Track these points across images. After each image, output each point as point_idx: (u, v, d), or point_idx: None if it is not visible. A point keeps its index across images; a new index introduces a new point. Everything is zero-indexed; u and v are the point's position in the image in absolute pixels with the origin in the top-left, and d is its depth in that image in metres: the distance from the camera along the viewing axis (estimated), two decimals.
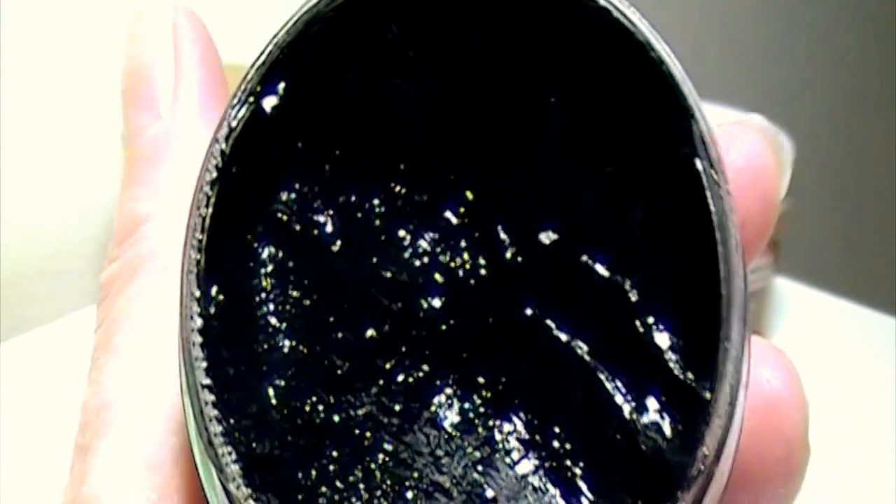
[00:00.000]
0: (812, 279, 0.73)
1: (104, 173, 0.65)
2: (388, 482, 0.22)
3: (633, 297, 0.22)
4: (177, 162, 0.26)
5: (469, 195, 0.23)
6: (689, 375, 0.21)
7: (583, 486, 0.22)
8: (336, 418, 0.22)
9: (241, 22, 0.72)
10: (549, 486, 0.22)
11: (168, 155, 0.27)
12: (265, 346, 0.22)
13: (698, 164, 0.21)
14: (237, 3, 0.72)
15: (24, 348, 0.60)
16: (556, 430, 0.23)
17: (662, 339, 0.22)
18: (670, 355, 0.22)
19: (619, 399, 0.22)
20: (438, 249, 0.23)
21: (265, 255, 0.23)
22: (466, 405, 0.23)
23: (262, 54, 0.22)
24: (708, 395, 0.21)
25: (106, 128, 0.63)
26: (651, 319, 0.22)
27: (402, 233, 0.23)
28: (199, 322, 0.21)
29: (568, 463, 0.22)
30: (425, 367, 0.23)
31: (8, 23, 0.59)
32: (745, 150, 0.25)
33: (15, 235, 0.62)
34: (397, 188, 0.23)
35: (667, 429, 0.21)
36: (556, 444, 0.22)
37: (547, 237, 0.23)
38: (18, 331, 0.61)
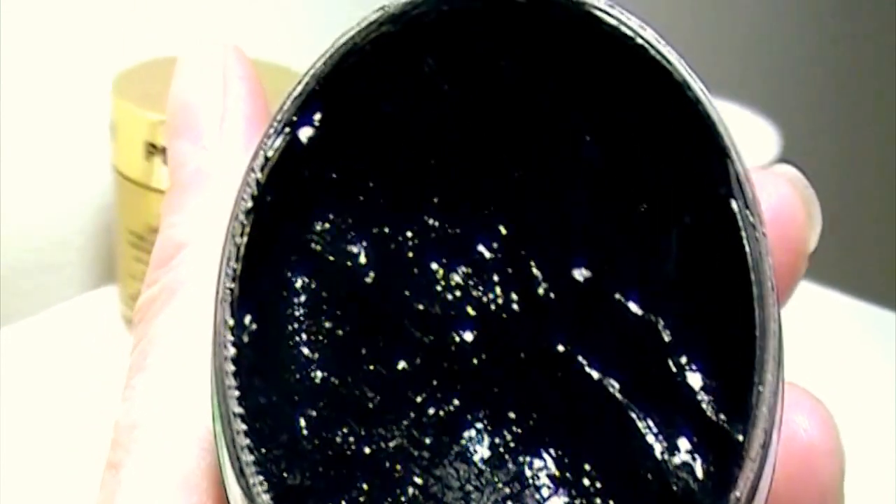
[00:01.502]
0: (811, 274, 0.73)
1: (95, 166, 0.64)
2: None
3: (667, 336, 0.22)
4: (218, 191, 0.27)
5: (503, 230, 0.23)
6: (722, 417, 0.21)
7: None
8: (367, 450, 0.22)
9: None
10: None
11: (210, 184, 0.27)
12: (297, 376, 0.22)
13: (734, 204, 0.21)
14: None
15: (11, 340, 0.60)
16: (587, 467, 0.22)
17: (695, 379, 0.22)
18: (703, 396, 0.22)
19: (650, 438, 0.22)
20: (471, 283, 0.23)
21: (299, 284, 0.23)
22: (497, 440, 0.23)
23: (298, 84, 0.23)
24: (741, 438, 0.21)
25: (96, 121, 0.63)
26: (684, 359, 0.22)
27: (435, 266, 0.23)
28: (232, 351, 0.21)
29: (598, 501, 0.22)
30: (456, 401, 0.23)
31: (4, 19, 0.59)
32: (775, 202, 0.25)
33: (2, 227, 0.61)
34: (431, 221, 0.23)
35: (698, 470, 0.21)
36: (586, 481, 0.22)
37: (580, 274, 0.23)
38: (6, 322, 0.61)
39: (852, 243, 1.31)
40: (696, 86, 0.22)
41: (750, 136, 0.69)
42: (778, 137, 0.69)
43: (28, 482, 0.51)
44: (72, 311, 0.63)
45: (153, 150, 0.57)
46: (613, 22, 0.22)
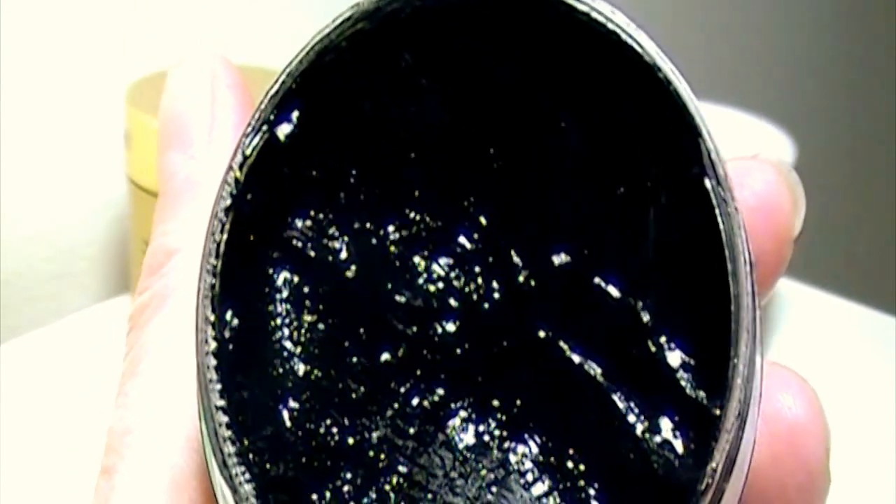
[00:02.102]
0: (812, 278, 0.73)
1: (106, 174, 0.65)
2: (403, 503, 0.22)
3: (646, 317, 0.22)
4: (208, 199, 0.27)
5: (483, 220, 0.24)
6: (701, 394, 0.22)
7: None
8: (351, 441, 0.22)
9: (259, 24, 0.72)
10: None
11: (200, 193, 0.28)
12: (280, 370, 0.22)
13: (707, 182, 0.22)
14: (255, 5, 0.72)
15: (24, 349, 0.60)
16: (571, 451, 0.23)
17: (674, 358, 0.22)
18: (682, 374, 0.22)
19: (632, 419, 0.22)
20: (453, 274, 0.24)
21: (280, 280, 0.23)
22: (481, 428, 0.23)
23: (275, 83, 0.23)
24: (718, 412, 0.21)
25: (108, 129, 0.63)
26: (663, 339, 0.22)
27: (416, 258, 0.24)
28: (213, 345, 0.22)
29: (582, 484, 0.22)
30: (440, 391, 0.23)
31: (8, 22, 0.59)
32: (760, 188, 0.25)
33: (16, 236, 0.62)
34: (412, 214, 0.24)
35: (679, 447, 0.22)
36: (570, 465, 0.23)
37: (560, 260, 0.23)
38: (19, 332, 0.61)
39: (864, 250, 1.31)
40: (667, 66, 0.22)
41: (765, 145, 0.69)
42: (792, 146, 0.68)
43: (40, 490, 0.51)
44: (86, 321, 0.63)
45: None
46: (585, 8, 0.22)
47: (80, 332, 0.62)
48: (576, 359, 0.23)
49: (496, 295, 0.23)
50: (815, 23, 1.26)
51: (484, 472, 0.23)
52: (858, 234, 1.32)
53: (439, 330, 0.23)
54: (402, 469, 0.22)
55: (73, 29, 0.63)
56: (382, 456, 0.22)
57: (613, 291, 0.23)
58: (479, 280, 0.24)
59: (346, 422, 0.22)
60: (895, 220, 1.32)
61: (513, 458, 0.23)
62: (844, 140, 1.31)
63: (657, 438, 0.22)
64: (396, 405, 0.23)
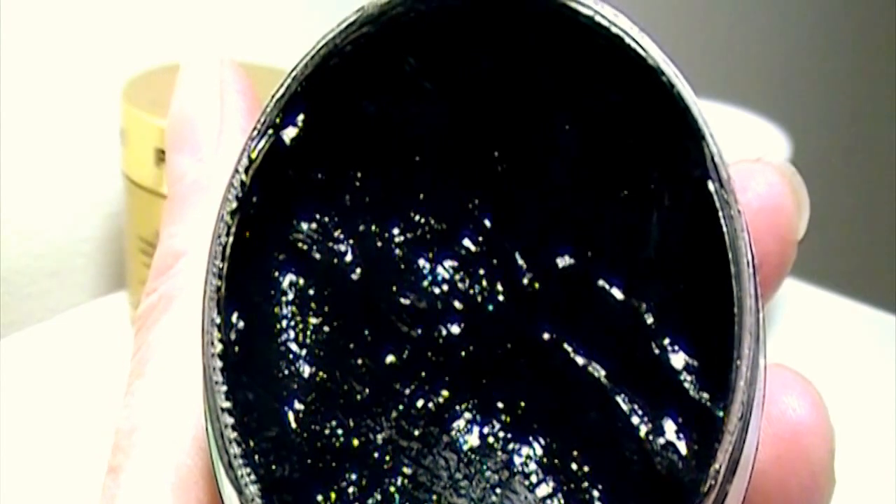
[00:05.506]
0: (812, 277, 0.73)
1: (103, 171, 0.65)
2: None
3: (649, 319, 0.23)
4: (216, 202, 0.27)
5: (487, 223, 0.24)
6: (705, 395, 0.22)
7: None
8: (356, 442, 0.23)
9: (256, 22, 0.72)
10: None
11: (208, 195, 0.28)
12: (285, 372, 0.23)
13: (710, 185, 0.22)
14: (251, 3, 0.72)
15: (21, 346, 0.60)
16: (575, 453, 0.23)
17: (678, 360, 0.22)
18: (686, 376, 0.22)
19: (636, 421, 0.22)
20: (457, 277, 0.24)
21: (286, 283, 0.23)
22: (485, 429, 0.23)
23: (280, 87, 0.23)
24: (721, 414, 0.21)
25: (104, 126, 0.63)
26: (667, 341, 0.22)
27: (421, 261, 0.24)
28: (219, 347, 0.22)
29: (586, 485, 0.22)
30: (445, 393, 0.23)
31: (3, 18, 0.59)
32: (764, 191, 0.25)
33: (12, 233, 0.62)
34: (416, 217, 0.24)
35: (683, 449, 0.22)
36: (574, 466, 0.23)
37: (563, 262, 0.23)
38: (16, 328, 0.61)
39: (861, 247, 1.31)
40: (671, 70, 0.22)
41: (761, 141, 0.69)
42: (788, 143, 0.69)
43: (38, 488, 0.51)
44: (81, 318, 0.63)
45: (163, 156, 0.57)
46: (588, 12, 0.22)
47: (77, 328, 0.62)
48: (580, 361, 0.23)
49: (500, 297, 0.24)
50: (812, 20, 1.26)
51: (488, 473, 0.23)
52: (855, 231, 1.32)
53: (444, 332, 0.23)
54: (406, 470, 0.23)
55: (69, 25, 0.63)
56: (387, 457, 0.23)
57: (617, 293, 0.23)
58: (484, 282, 0.24)
59: (351, 423, 0.23)
60: (892, 217, 1.32)
61: (517, 460, 0.23)
62: (841, 137, 1.31)
63: (661, 440, 0.22)
64: (401, 407, 0.23)
